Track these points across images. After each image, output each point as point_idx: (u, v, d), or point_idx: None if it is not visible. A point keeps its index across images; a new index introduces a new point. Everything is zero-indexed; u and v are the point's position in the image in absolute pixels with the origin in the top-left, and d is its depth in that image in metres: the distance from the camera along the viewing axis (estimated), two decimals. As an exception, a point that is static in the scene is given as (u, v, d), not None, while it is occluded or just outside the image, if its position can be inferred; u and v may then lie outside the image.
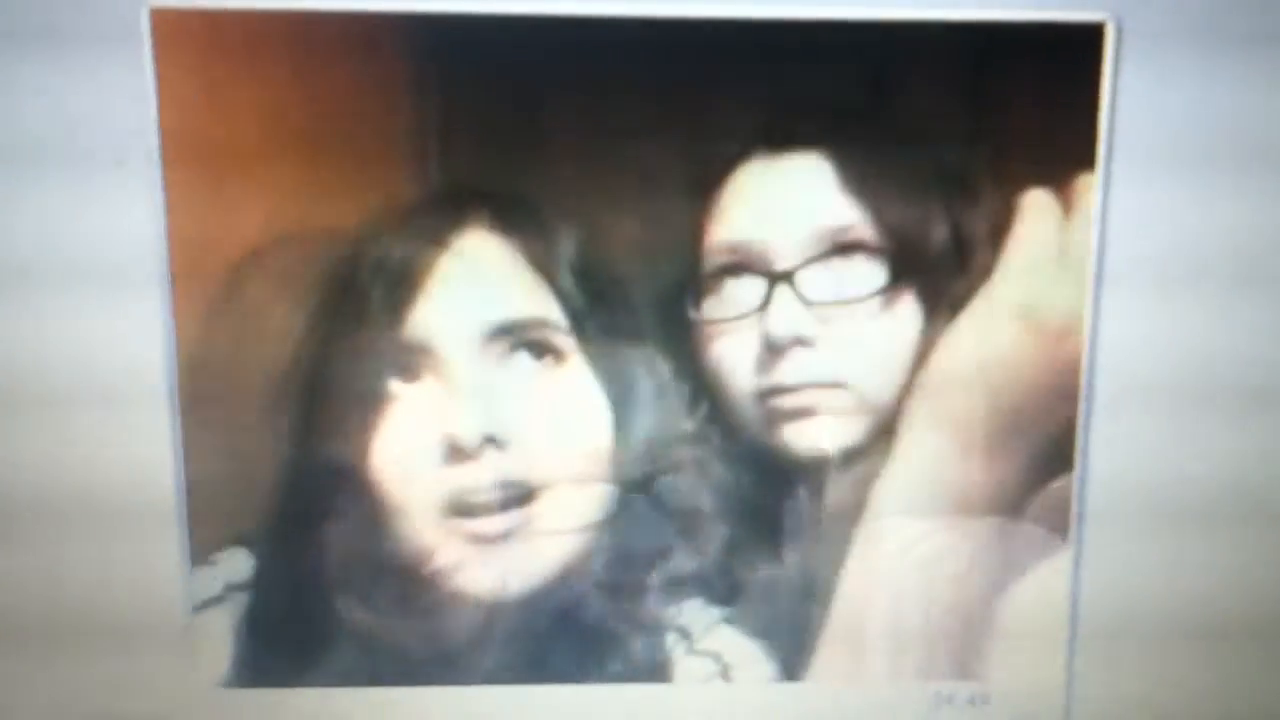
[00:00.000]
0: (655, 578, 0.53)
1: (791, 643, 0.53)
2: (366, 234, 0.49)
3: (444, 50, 0.48)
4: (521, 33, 0.48)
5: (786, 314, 0.50)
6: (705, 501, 0.52)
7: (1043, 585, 0.53)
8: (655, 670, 0.54)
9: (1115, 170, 0.49)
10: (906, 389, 0.51)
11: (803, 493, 0.52)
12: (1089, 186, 0.49)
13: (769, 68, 0.48)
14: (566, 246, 0.50)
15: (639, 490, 0.52)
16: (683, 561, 0.53)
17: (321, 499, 0.51)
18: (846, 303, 0.50)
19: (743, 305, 0.50)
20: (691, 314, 0.51)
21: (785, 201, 0.50)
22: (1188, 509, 0.53)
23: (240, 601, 0.52)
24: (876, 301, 0.50)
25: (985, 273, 0.50)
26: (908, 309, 0.50)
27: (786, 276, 0.50)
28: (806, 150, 0.49)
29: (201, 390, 0.50)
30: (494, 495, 0.50)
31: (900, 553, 0.52)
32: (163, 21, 0.47)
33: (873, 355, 0.50)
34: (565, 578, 0.51)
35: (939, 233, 0.50)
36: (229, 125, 0.48)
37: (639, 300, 0.50)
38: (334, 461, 0.50)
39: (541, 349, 0.50)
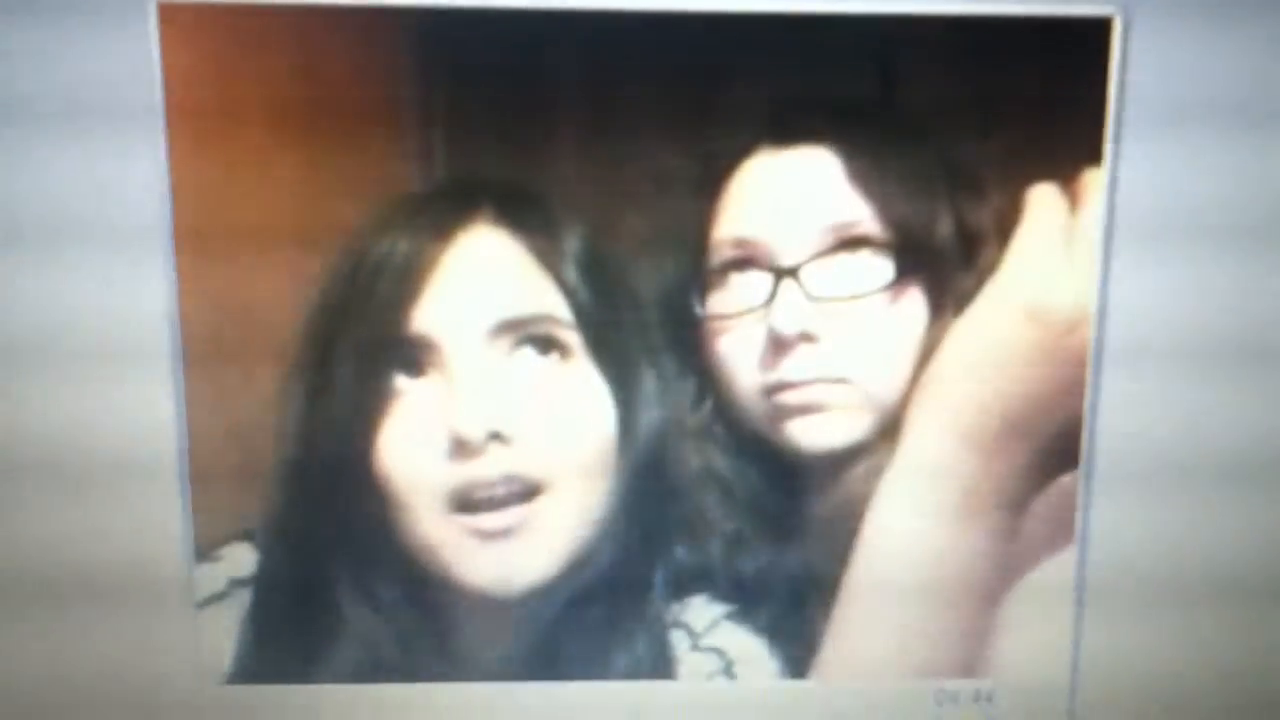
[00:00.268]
0: (659, 574, 0.53)
1: (796, 640, 0.53)
2: (371, 228, 0.49)
3: (449, 44, 0.48)
4: (527, 26, 0.48)
5: (792, 309, 0.50)
6: (709, 497, 0.52)
7: (1048, 581, 0.53)
8: (659, 667, 0.54)
9: (1122, 165, 0.49)
10: (912, 384, 0.50)
11: (807, 488, 0.52)
12: (1096, 181, 0.49)
13: (775, 62, 0.48)
14: (572, 241, 0.50)
15: (643, 486, 0.52)
16: (687, 558, 0.53)
17: (326, 494, 0.51)
18: (852, 298, 0.50)
19: (748, 300, 0.50)
20: (697, 309, 0.51)
21: (791, 196, 0.50)
22: (1195, 507, 0.53)
23: (244, 597, 0.52)
24: (882, 297, 0.50)
25: (991, 267, 0.50)
26: (914, 304, 0.50)
27: (792, 272, 0.50)
28: (812, 145, 0.49)
29: (206, 386, 0.50)
30: (498, 491, 0.50)
31: (905, 549, 0.52)
32: (169, 15, 0.47)
33: (878, 350, 0.50)
34: (569, 574, 0.51)
35: (945, 227, 0.50)
36: (234, 119, 0.48)
37: (644, 295, 0.50)
38: (338, 457, 0.50)
39: (546, 344, 0.50)
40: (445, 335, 0.49)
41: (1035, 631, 0.53)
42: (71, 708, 0.53)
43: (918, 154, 0.49)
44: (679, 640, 0.53)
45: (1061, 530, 0.52)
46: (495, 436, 0.50)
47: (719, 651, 0.54)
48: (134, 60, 0.47)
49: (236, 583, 0.52)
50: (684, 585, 0.53)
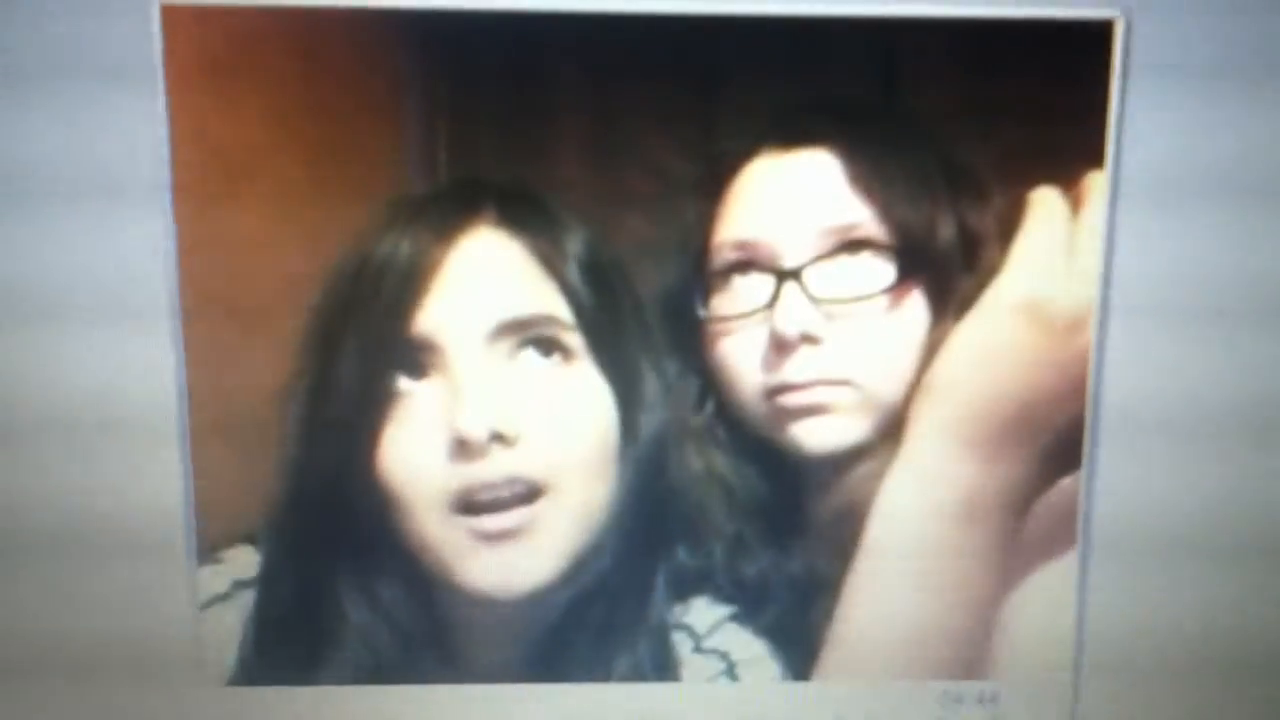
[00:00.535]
0: (661, 576, 0.53)
1: (799, 641, 0.53)
2: (374, 230, 0.49)
3: (452, 47, 0.48)
4: (529, 29, 0.48)
5: (794, 311, 0.50)
6: (712, 499, 0.52)
7: (1051, 582, 0.53)
8: (661, 669, 0.54)
9: (1124, 168, 0.49)
10: (914, 386, 0.50)
11: (810, 490, 0.52)
12: (1098, 184, 0.49)
13: (777, 65, 0.48)
14: (574, 243, 0.50)
15: (645, 487, 0.52)
16: (689, 559, 0.53)
17: (328, 496, 0.51)
18: (854, 300, 0.50)
19: (750, 302, 0.50)
20: (699, 311, 0.51)
21: (793, 199, 0.50)
22: (1197, 511, 0.53)
23: (247, 599, 0.52)
24: (884, 299, 0.50)
25: (993, 270, 0.50)
26: (915, 306, 0.50)
27: (794, 274, 0.50)
28: (815, 147, 0.49)
29: (209, 387, 0.50)
30: (501, 492, 0.50)
31: (907, 550, 0.52)
32: (172, 18, 0.47)
33: (880, 353, 0.50)
34: (571, 575, 0.51)
35: (947, 230, 0.50)
36: (236, 121, 0.48)
37: (647, 297, 0.50)
38: (341, 458, 0.50)
39: (549, 346, 0.50)
40: (448, 337, 0.49)
41: (1038, 633, 0.53)
42: (76, 708, 0.53)
43: (919, 157, 0.49)
44: (681, 642, 0.53)
45: (1063, 532, 0.52)
46: (497, 438, 0.50)
47: (721, 653, 0.54)
48: (138, 63, 0.47)
49: (239, 584, 0.52)
50: (686, 587, 0.53)
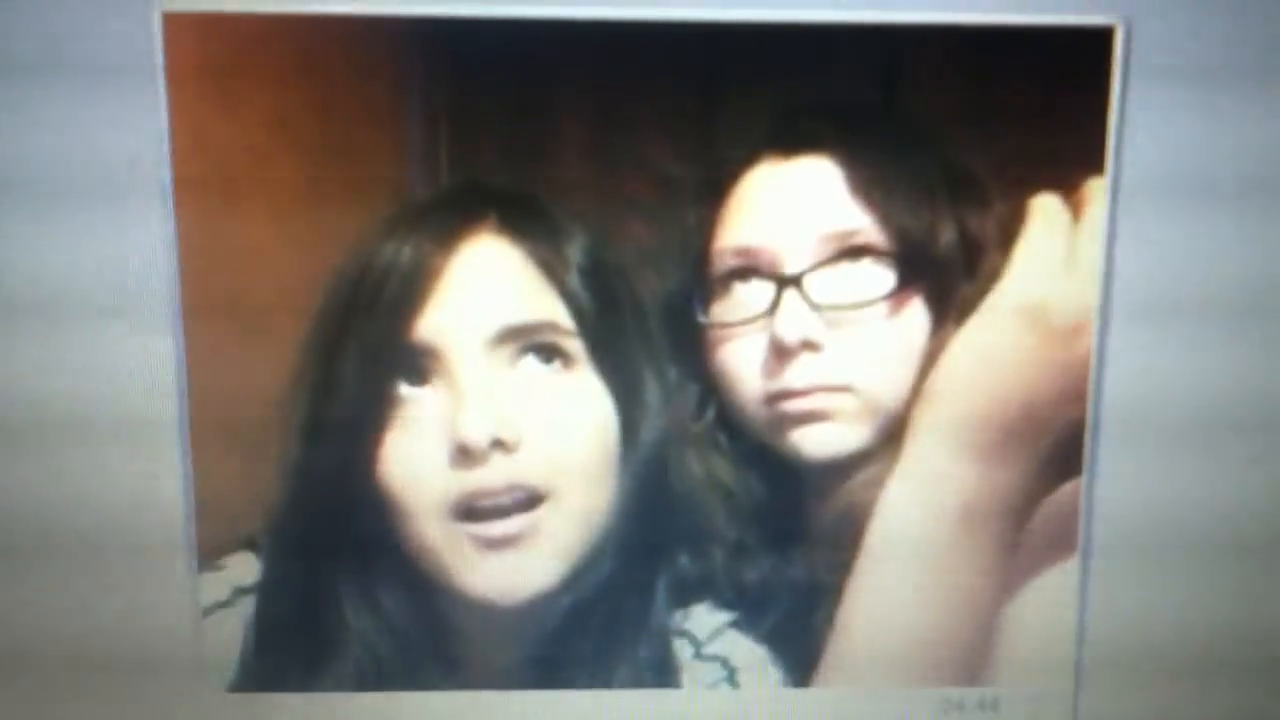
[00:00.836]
0: (662, 582, 0.53)
1: (799, 648, 0.53)
2: (375, 237, 0.49)
3: (453, 54, 0.48)
4: (530, 37, 0.48)
5: (795, 317, 0.50)
6: (712, 505, 0.52)
7: (1052, 588, 0.53)
8: (662, 675, 0.53)
9: (1124, 174, 0.49)
10: (914, 392, 0.50)
11: (810, 496, 0.52)
12: (1098, 191, 0.49)
13: (778, 72, 0.48)
14: (575, 250, 0.50)
15: (646, 494, 0.52)
16: (689, 566, 0.53)
17: (329, 503, 0.51)
18: (855, 306, 0.50)
19: (751, 308, 0.50)
20: (700, 317, 0.51)
21: (794, 205, 0.50)
22: (1197, 515, 0.53)
23: (248, 605, 0.52)
24: (885, 305, 0.50)
25: (994, 276, 0.50)
26: (916, 312, 0.50)
27: (795, 280, 0.50)
28: (815, 154, 0.50)
29: (210, 393, 0.50)
30: (502, 499, 0.50)
31: (908, 556, 0.52)
32: (174, 25, 0.47)
33: (881, 359, 0.50)
34: (572, 582, 0.51)
35: (947, 236, 0.50)
36: (238, 127, 0.48)
37: (647, 304, 0.51)
38: (342, 465, 0.50)
39: (550, 352, 0.50)
40: (449, 343, 0.49)
41: (1039, 638, 0.53)
42: (77, 714, 0.53)
43: (920, 163, 0.49)
44: (682, 648, 0.53)
45: (1064, 537, 0.52)
46: (498, 444, 0.50)
47: (722, 660, 0.53)
48: (139, 68, 0.47)
49: (241, 591, 0.52)
50: (687, 593, 0.53)
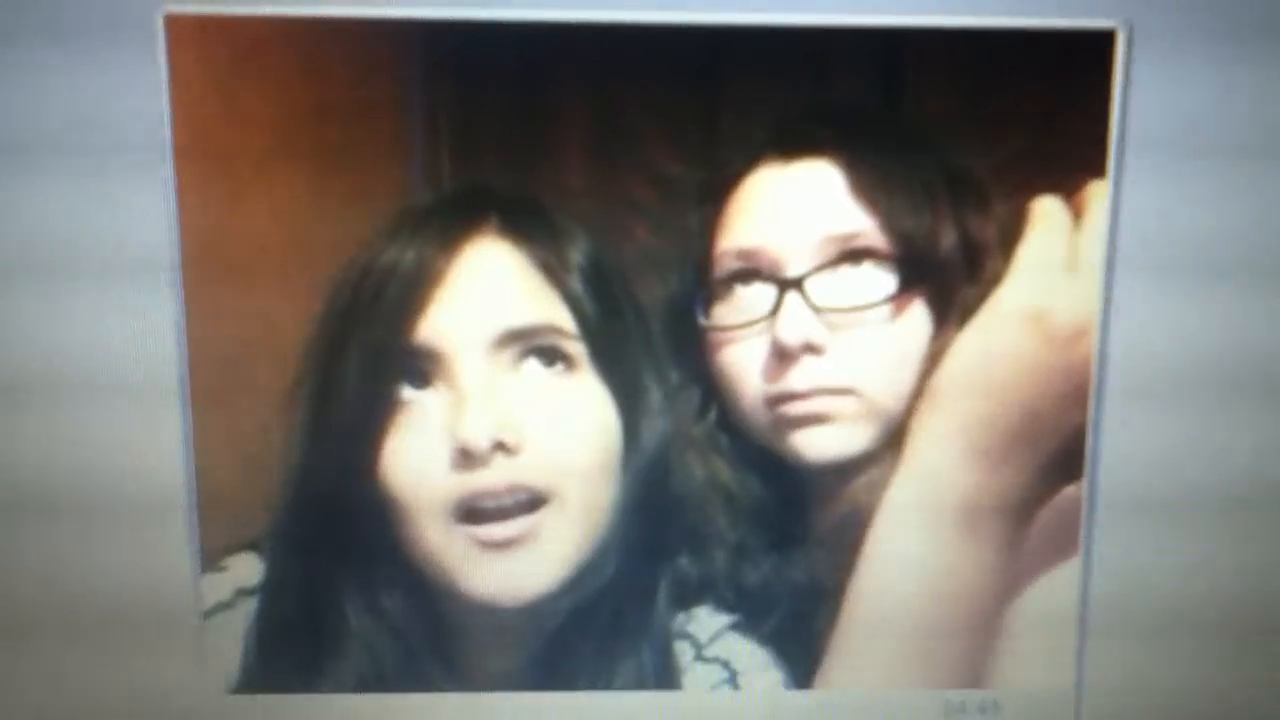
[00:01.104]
0: (664, 584, 0.53)
1: (800, 650, 0.53)
2: (377, 239, 0.49)
3: (455, 57, 0.48)
4: (532, 39, 0.48)
5: (796, 320, 0.50)
6: (714, 507, 0.52)
7: (1053, 591, 0.53)
8: (663, 677, 0.53)
9: (1126, 178, 0.49)
10: (916, 395, 0.50)
11: (812, 499, 0.52)
12: (1099, 194, 0.49)
13: (780, 75, 0.48)
14: (577, 253, 0.50)
15: (648, 496, 0.52)
16: (691, 568, 0.53)
17: (331, 504, 0.51)
18: (856, 309, 0.50)
19: (752, 312, 0.50)
20: (701, 320, 0.51)
21: (795, 208, 0.50)
22: (1199, 515, 0.53)
23: (250, 607, 0.52)
24: (886, 308, 0.50)
25: (995, 279, 0.50)
26: (917, 315, 0.50)
27: (796, 283, 0.50)
28: (817, 157, 0.50)
29: (212, 394, 0.50)
30: (504, 501, 0.50)
31: (909, 559, 0.52)
32: (177, 27, 0.47)
33: (882, 362, 0.50)
34: (574, 584, 0.51)
35: (949, 239, 0.50)
36: (240, 130, 0.48)
37: (649, 306, 0.51)
38: (344, 466, 0.50)
39: (551, 355, 0.50)
40: (451, 346, 0.49)
41: (1041, 642, 0.53)
42: (78, 715, 0.53)
43: (921, 166, 0.49)
44: (683, 650, 0.53)
45: (1066, 541, 0.52)
46: (500, 447, 0.50)
47: (723, 662, 0.54)
48: (141, 71, 0.48)
49: (243, 592, 0.52)
50: (688, 595, 0.53)
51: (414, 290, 0.49)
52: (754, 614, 0.53)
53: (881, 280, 0.50)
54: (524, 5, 0.47)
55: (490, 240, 0.50)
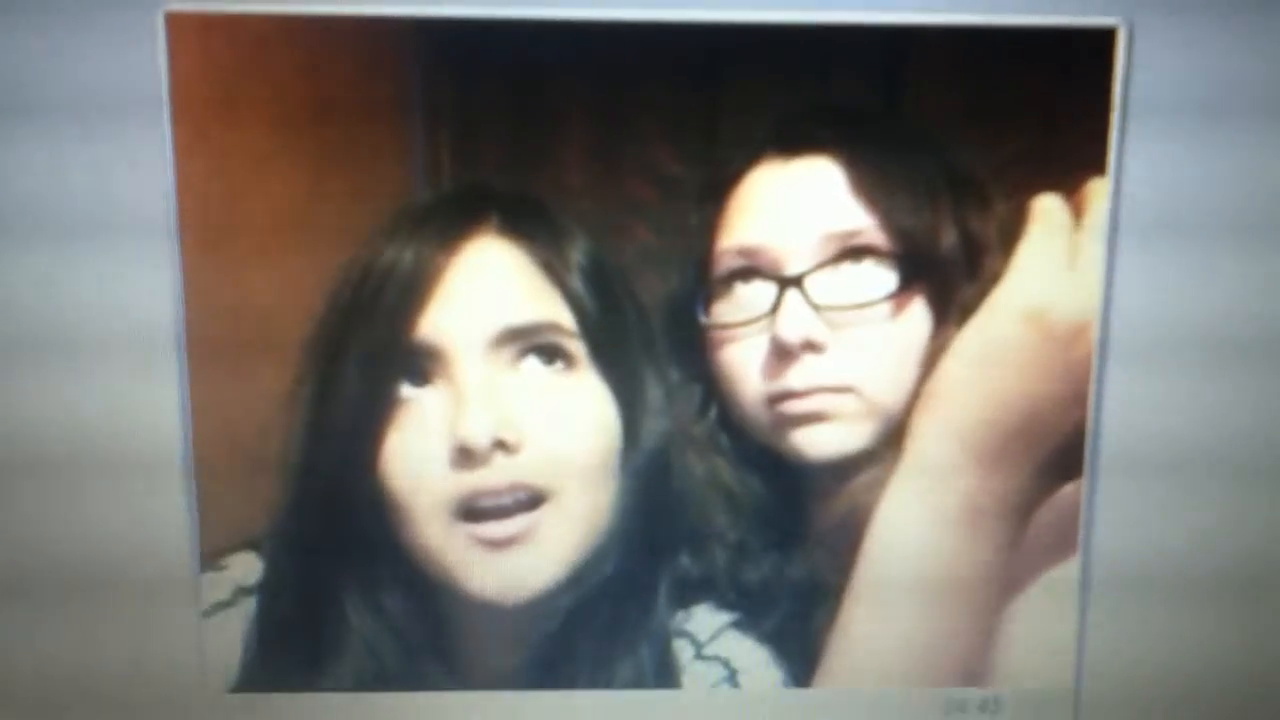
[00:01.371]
0: (663, 582, 0.53)
1: (800, 648, 0.53)
2: (377, 237, 0.49)
3: (455, 55, 0.48)
4: (532, 37, 0.48)
5: (796, 318, 0.50)
6: (714, 506, 0.52)
7: (1053, 590, 0.53)
8: (663, 675, 0.53)
9: (1126, 175, 0.49)
10: (916, 393, 0.50)
11: (812, 497, 0.52)
12: (1100, 192, 0.49)
13: (780, 72, 0.48)
14: (577, 251, 0.50)
15: (648, 494, 0.52)
16: (691, 566, 0.53)
17: (331, 503, 0.51)
18: (856, 307, 0.50)
19: (753, 309, 0.50)
20: (701, 318, 0.51)
21: (795, 206, 0.50)
22: (1198, 515, 0.53)
23: (249, 605, 0.52)
24: (886, 306, 0.50)
25: (995, 278, 0.50)
26: (917, 314, 0.50)
27: (796, 281, 0.50)
28: (817, 155, 0.50)
29: (212, 393, 0.50)
30: (503, 499, 0.50)
31: (909, 557, 0.52)
32: (177, 25, 0.47)
33: (882, 360, 0.50)
34: (574, 582, 0.51)
35: (949, 238, 0.50)
36: (241, 128, 0.48)
37: (649, 304, 0.51)
38: (344, 465, 0.50)
39: (551, 353, 0.50)
40: (451, 344, 0.49)
41: (1040, 640, 0.53)
42: (77, 714, 0.53)
43: (922, 164, 0.49)
44: (683, 649, 0.53)
45: (1065, 539, 0.52)
46: (500, 445, 0.50)
47: (723, 660, 0.54)
48: (142, 68, 0.48)
49: (242, 591, 0.52)
50: (688, 594, 0.53)
51: (414, 289, 0.49)
52: (754, 612, 0.53)
53: (882, 278, 0.50)
54: (524, 4, 0.47)
55: (490, 239, 0.50)
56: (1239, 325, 0.51)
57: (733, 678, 0.54)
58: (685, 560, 0.53)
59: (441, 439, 0.50)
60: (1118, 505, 0.52)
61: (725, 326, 0.51)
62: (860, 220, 0.49)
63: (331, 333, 0.50)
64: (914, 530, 0.51)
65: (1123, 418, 0.52)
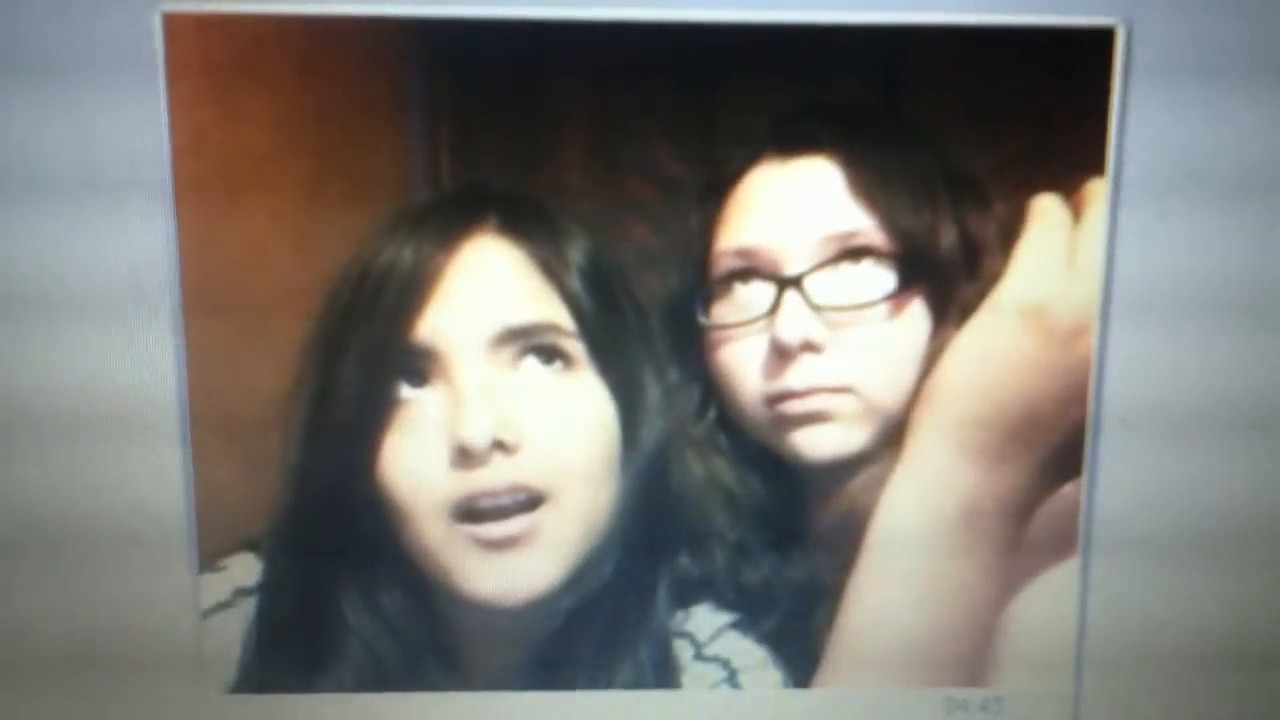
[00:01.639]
0: (663, 583, 0.53)
1: (800, 649, 0.53)
2: (376, 237, 0.49)
3: (453, 55, 0.48)
4: (531, 37, 0.48)
5: (795, 319, 0.50)
6: (713, 506, 0.52)
7: (1053, 589, 0.53)
8: (662, 676, 0.53)
9: (1125, 176, 0.49)
10: (915, 394, 0.50)
11: (811, 497, 0.52)
12: (1099, 192, 0.49)
13: (778, 72, 0.48)
14: (576, 251, 0.50)
15: (647, 495, 0.52)
16: (690, 567, 0.53)
17: (330, 503, 0.51)
18: (855, 307, 0.50)
19: (751, 310, 0.50)
20: (700, 319, 0.51)
21: (794, 206, 0.50)
22: (1198, 515, 0.53)
23: (249, 607, 0.52)
24: (885, 306, 0.50)
25: (994, 277, 0.50)
26: (916, 314, 0.50)
27: (795, 281, 0.50)
28: (816, 155, 0.50)
29: (210, 394, 0.50)
30: (502, 500, 0.50)
31: (909, 557, 0.52)
32: (175, 26, 0.47)
33: (881, 360, 0.50)
34: (573, 583, 0.51)
35: (948, 238, 0.50)
36: (239, 128, 0.48)
37: (648, 305, 0.51)
38: (342, 466, 0.50)
39: (550, 354, 0.50)
40: (449, 344, 0.49)
41: (1040, 639, 0.53)
42: (77, 716, 0.53)
43: (921, 164, 0.49)
44: (683, 649, 0.53)
45: (1065, 538, 0.52)
46: (499, 445, 0.50)
47: (723, 660, 0.54)
48: (139, 69, 0.48)
49: (241, 592, 0.52)
50: (688, 594, 0.53)
51: (413, 289, 0.49)
52: (753, 613, 0.53)
53: (881, 278, 0.50)
54: (524, 4, 0.47)
55: (489, 239, 0.50)
56: (1239, 321, 0.51)
57: (733, 678, 0.54)
58: (685, 560, 0.53)
59: (440, 439, 0.50)
60: (1118, 504, 0.52)
61: (724, 327, 0.51)
62: (859, 220, 0.49)
63: (330, 333, 0.50)
64: (913, 530, 0.51)
65: (1123, 415, 0.52)
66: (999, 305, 0.50)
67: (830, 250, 0.50)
